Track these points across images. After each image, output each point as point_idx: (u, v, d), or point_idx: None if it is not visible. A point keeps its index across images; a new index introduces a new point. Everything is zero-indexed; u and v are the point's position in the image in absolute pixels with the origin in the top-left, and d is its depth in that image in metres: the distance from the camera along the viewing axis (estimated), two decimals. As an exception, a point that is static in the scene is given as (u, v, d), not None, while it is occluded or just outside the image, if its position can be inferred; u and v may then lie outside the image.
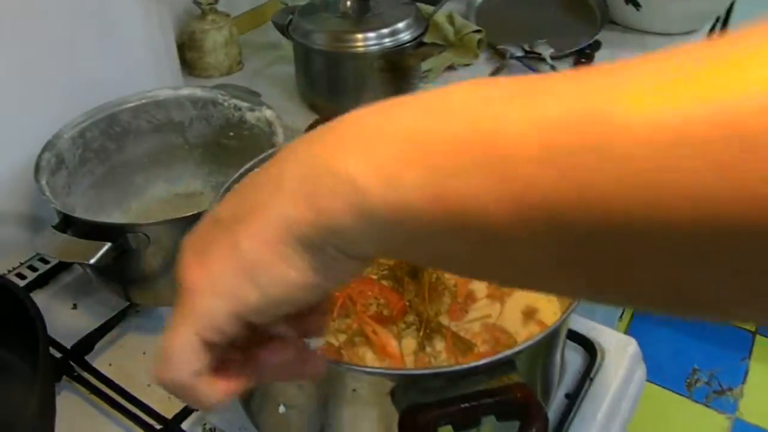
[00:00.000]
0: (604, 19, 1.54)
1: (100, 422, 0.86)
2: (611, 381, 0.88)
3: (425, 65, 1.36)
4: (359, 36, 1.18)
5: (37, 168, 0.93)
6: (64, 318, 1.00)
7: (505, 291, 0.81)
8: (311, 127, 0.93)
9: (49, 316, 0.99)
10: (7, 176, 1.03)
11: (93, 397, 0.87)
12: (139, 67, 1.17)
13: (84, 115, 1.02)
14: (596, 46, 1.50)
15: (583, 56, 1.45)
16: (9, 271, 1.06)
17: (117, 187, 1.09)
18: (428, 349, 0.74)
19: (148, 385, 0.90)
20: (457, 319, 0.78)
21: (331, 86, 1.25)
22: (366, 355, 0.74)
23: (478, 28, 1.46)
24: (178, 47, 1.41)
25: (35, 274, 1.05)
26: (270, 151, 0.83)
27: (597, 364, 0.89)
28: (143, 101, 1.07)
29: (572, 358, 0.91)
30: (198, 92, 1.08)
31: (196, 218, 0.75)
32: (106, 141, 1.05)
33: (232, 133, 1.08)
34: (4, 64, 1.00)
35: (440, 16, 1.50)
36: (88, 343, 0.92)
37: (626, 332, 2.40)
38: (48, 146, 0.97)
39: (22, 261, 1.07)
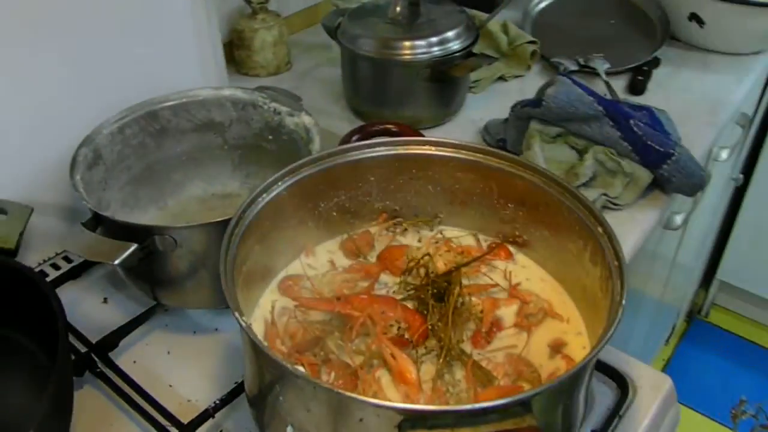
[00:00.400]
0: (664, 34, 1.48)
1: (118, 419, 0.86)
2: (642, 419, 0.84)
3: (474, 75, 1.33)
4: (407, 44, 1.15)
5: (74, 163, 0.93)
6: (94, 311, 1.00)
7: (532, 321, 0.78)
8: (347, 138, 0.91)
9: (79, 308, 1.01)
10: (48, 168, 1.04)
11: (113, 394, 0.87)
12: (184, 64, 1.17)
13: (124, 112, 1.02)
14: (655, 63, 1.44)
15: (641, 73, 1.39)
16: (44, 261, 1.07)
17: (154, 185, 1.09)
18: (447, 377, 0.72)
19: (170, 386, 0.89)
20: (481, 347, 0.76)
21: (376, 93, 1.23)
22: (383, 378, 0.72)
23: (533, 39, 1.42)
24: (227, 45, 1.41)
25: (69, 266, 1.05)
26: (305, 159, 0.82)
27: (628, 400, 0.86)
28: (184, 100, 1.06)
29: (602, 391, 0.87)
30: (239, 94, 1.07)
31: (223, 224, 0.76)
32: (146, 138, 1.05)
33: (270, 137, 1.07)
34: (55, 58, 1.01)
35: (494, 25, 1.46)
36: (113, 340, 0.92)
37: (671, 358, 2.34)
38: (86, 141, 0.97)
39: (59, 252, 1.08)
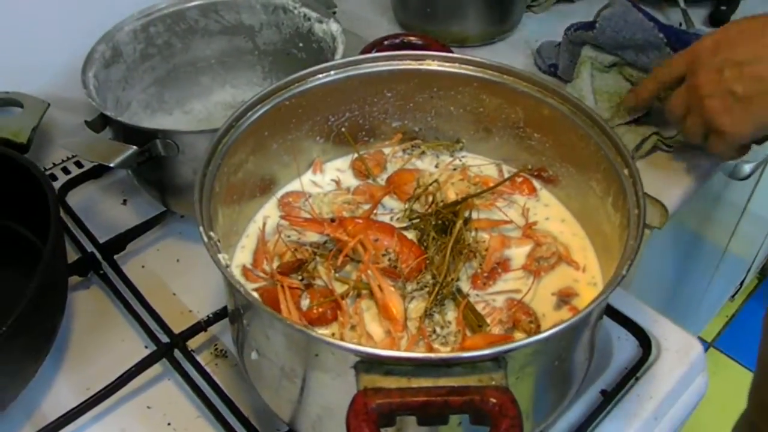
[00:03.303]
0: (760, -41, 1.31)
1: (117, 322, 0.85)
2: (661, 385, 0.77)
3: (536, -8, 1.22)
4: (459, -49, 1.06)
5: (89, 59, 0.90)
6: (112, 213, 0.99)
7: (543, 266, 0.71)
8: (368, 48, 0.84)
9: (96, 208, 0.99)
10: (69, 64, 1.01)
11: (113, 296, 0.86)
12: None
13: (148, 9, 0.97)
14: (745, -10, 1.28)
15: (725, 3, 1.24)
16: (67, 159, 1.06)
17: (181, 87, 1.05)
18: (437, 317, 0.66)
19: (173, 294, 0.87)
20: (480, 288, 0.69)
21: (423, 4, 1.14)
22: (370, 311, 0.67)
23: (608, -45, 1.29)
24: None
25: (92, 165, 1.03)
26: (312, 68, 0.75)
27: (649, 361, 0.78)
28: (213, 0, 1.01)
29: (623, 347, 0.80)
30: (269, -5, 1.01)
31: (226, 131, 0.71)
32: (172, 38, 1.01)
33: (301, 44, 1.01)
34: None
35: (569, -61, 1.33)
36: (120, 242, 0.91)
37: (736, 315, 2.22)
38: (105, 38, 0.93)
39: (82, 149, 1.07)
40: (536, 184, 0.80)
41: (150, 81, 1.01)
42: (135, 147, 0.78)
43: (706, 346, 2.16)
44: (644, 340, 0.79)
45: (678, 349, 0.80)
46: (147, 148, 0.80)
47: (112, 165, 0.77)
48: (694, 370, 0.79)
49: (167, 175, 0.86)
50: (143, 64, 0.99)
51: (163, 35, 0.99)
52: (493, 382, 0.49)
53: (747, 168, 1.19)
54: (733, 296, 2.20)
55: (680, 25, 1.19)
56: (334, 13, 0.97)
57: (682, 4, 1.22)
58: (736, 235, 1.67)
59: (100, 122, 0.85)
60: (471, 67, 0.76)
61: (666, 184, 0.94)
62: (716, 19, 1.23)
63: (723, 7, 1.24)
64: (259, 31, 1.03)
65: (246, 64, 1.07)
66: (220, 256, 0.57)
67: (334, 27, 0.93)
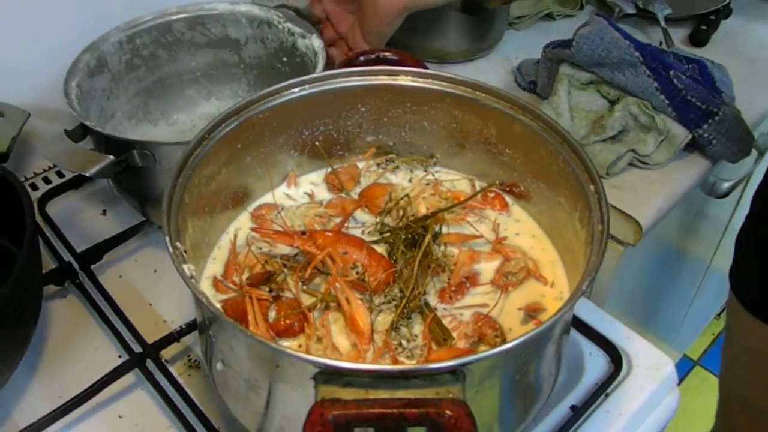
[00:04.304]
0: (741, -19, 1.33)
1: (92, 331, 0.85)
2: (632, 402, 0.77)
3: (517, 10, 1.23)
4: (438, -32, 1.07)
5: (72, 68, 0.91)
6: (91, 222, 0.99)
7: (511, 281, 0.72)
8: (343, 64, 0.85)
9: (76, 218, 1.00)
10: (51, 74, 1.02)
11: (89, 306, 0.86)
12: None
13: (135, 21, 0.98)
14: (726, 13, 1.30)
15: (706, 23, 1.26)
16: (49, 168, 1.07)
17: (166, 99, 1.06)
18: (403, 331, 0.66)
19: (150, 305, 0.88)
20: (447, 302, 0.70)
21: (406, 21, 1.15)
22: (338, 322, 0.67)
23: (590, -25, 1.30)
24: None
25: (73, 174, 1.04)
26: (287, 82, 0.76)
27: (620, 377, 0.79)
28: (199, 13, 1.02)
29: (594, 363, 0.81)
30: (255, 11, 1.02)
31: (198, 143, 0.72)
32: (158, 49, 1.02)
33: (285, 58, 1.02)
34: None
35: (552, -42, 1.35)
36: (97, 252, 0.91)
37: (721, 333, 2.22)
38: (90, 48, 0.94)
39: (64, 159, 1.07)
40: (508, 199, 0.81)
41: (135, 91, 1.02)
42: (112, 157, 0.79)
43: (692, 364, 2.16)
44: (615, 356, 0.80)
45: (649, 366, 0.80)
46: (124, 158, 0.80)
47: (88, 174, 0.77)
48: (665, 388, 0.80)
49: (145, 185, 0.86)
50: (128, 75, 1.00)
51: (149, 47, 1.00)
52: (450, 395, 0.49)
53: (725, 186, 1.20)
54: (719, 314, 2.20)
55: (660, 44, 1.21)
56: (318, 28, 0.99)
57: (662, 23, 1.24)
58: (719, 252, 1.68)
59: (80, 132, 0.85)
60: (444, 83, 0.76)
61: (641, 201, 0.95)
62: (696, 39, 1.25)
63: (703, 27, 1.25)
64: (244, 45, 1.04)
65: (231, 77, 1.08)
66: (185, 266, 0.58)
67: (316, 43, 0.94)
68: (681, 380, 2.09)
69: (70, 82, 0.89)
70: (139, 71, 1.01)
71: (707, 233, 1.52)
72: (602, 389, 0.77)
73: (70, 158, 0.80)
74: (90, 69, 0.94)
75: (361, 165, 0.84)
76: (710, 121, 0.95)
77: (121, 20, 0.97)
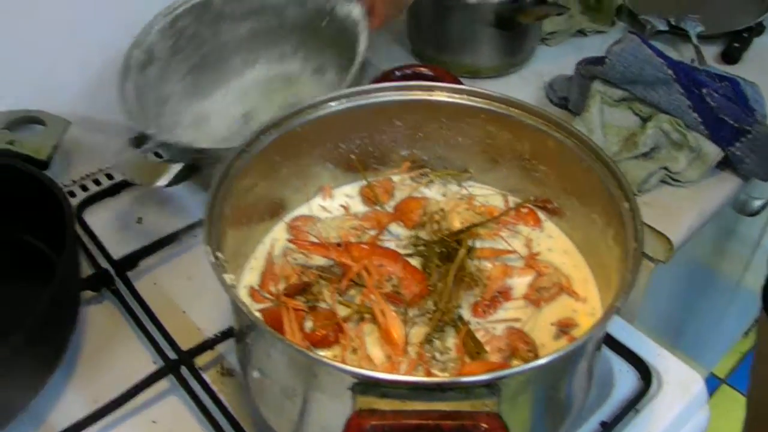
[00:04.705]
0: (775, -2, 1.33)
1: (127, 338, 0.86)
2: (662, 418, 0.77)
3: (549, 26, 1.24)
4: (472, -15, 1.08)
5: (125, 68, 0.93)
6: (127, 230, 1.01)
7: (544, 296, 0.72)
8: (380, 78, 0.86)
9: (112, 225, 1.02)
10: (90, 84, 1.05)
11: (125, 312, 0.88)
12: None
13: (174, 5, 1.00)
14: (759, 30, 1.30)
15: (738, 40, 1.26)
16: (87, 176, 1.09)
17: (215, 70, 1.08)
18: (437, 344, 0.67)
19: (183, 312, 0.89)
20: (481, 316, 0.71)
21: (437, 36, 1.16)
22: (372, 335, 0.68)
23: (622, -9, 1.31)
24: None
25: (110, 183, 1.06)
26: (324, 96, 0.77)
27: (650, 394, 0.79)
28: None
29: (624, 380, 0.81)
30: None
31: (237, 155, 0.73)
32: (200, 27, 1.03)
33: (325, 20, 1.02)
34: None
35: (585, -27, 1.35)
36: (133, 259, 0.93)
37: (749, 352, 2.20)
38: (136, 44, 0.96)
39: (102, 168, 1.09)
40: (541, 215, 0.82)
41: (185, 71, 1.04)
42: (179, 165, 0.81)
43: (719, 382, 2.14)
44: (645, 372, 0.80)
45: (679, 383, 0.80)
46: (190, 163, 0.82)
47: (160, 185, 0.79)
48: (695, 405, 0.80)
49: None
50: (176, 57, 1.02)
51: (190, 26, 1.02)
52: (486, 408, 0.50)
53: (757, 204, 1.20)
54: (747, 332, 2.18)
55: (692, 61, 1.21)
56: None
57: (694, 41, 1.24)
58: (749, 269, 1.67)
59: (139, 139, 0.87)
60: (478, 99, 0.77)
61: (672, 218, 0.95)
62: (729, 56, 1.24)
63: (736, 44, 1.25)
64: (284, 9, 1.05)
65: (275, 41, 1.09)
66: (225, 276, 0.59)
67: (355, 12, 0.95)
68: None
69: (125, 83, 0.91)
70: (185, 51, 1.04)
71: (737, 251, 1.51)
72: (632, 405, 0.77)
73: (139, 171, 0.82)
74: (141, 63, 0.96)
75: (395, 179, 0.85)
76: (743, 139, 0.95)
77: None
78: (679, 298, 1.32)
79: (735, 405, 2.06)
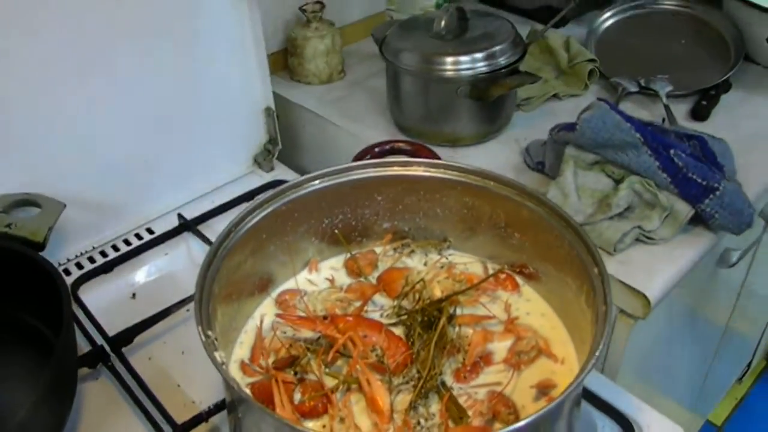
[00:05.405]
0: (738, 56, 1.38)
1: (124, 412, 0.88)
2: (644, 474, 0.80)
3: (524, 92, 1.29)
4: (447, 59, 1.13)
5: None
6: (121, 306, 1.04)
7: (523, 359, 0.75)
8: (360, 155, 0.90)
9: (106, 302, 1.04)
10: (85, 167, 1.08)
11: (120, 388, 0.90)
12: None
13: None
14: (725, 87, 1.35)
15: (706, 98, 1.31)
16: (81, 254, 1.12)
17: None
18: (421, 410, 0.70)
19: (178, 386, 0.91)
20: (463, 381, 0.74)
21: (417, 108, 1.21)
22: (359, 403, 0.71)
23: (592, 57, 1.37)
24: (282, 52, 1.43)
25: (104, 260, 1.09)
26: (307, 176, 0.81)
27: (632, 449, 0.81)
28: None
29: (608, 435, 0.83)
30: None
31: (225, 236, 0.77)
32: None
33: None
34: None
35: (557, 41, 1.41)
36: (128, 335, 0.95)
37: (744, 398, 2.20)
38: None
39: (95, 246, 1.13)
40: (519, 280, 0.85)
41: None
42: None
43: (716, 430, 2.14)
44: (627, 427, 0.82)
45: (660, 437, 0.83)
46: None
47: None
48: (677, 457, 0.82)
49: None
50: None
51: None
52: (465, 475, 0.53)
53: (734, 256, 1.24)
54: (740, 378, 2.19)
55: (663, 120, 1.26)
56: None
57: (664, 100, 1.29)
58: (735, 315, 1.69)
59: None
60: (454, 173, 0.82)
61: (648, 275, 0.98)
62: (698, 114, 1.30)
63: (704, 102, 1.30)
64: None
65: None
66: (216, 354, 0.62)
67: None
68: (705, 447, 2.08)
69: None
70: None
71: (721, 298, 1.54)
72: (616, 461, 0.79)
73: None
74: None
75: (378, 250, 0.88)
76: (711, 196, 0.99)
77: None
78: (664, 349, 1.34)
79: (733, 453, 2.06)
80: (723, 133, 1.15)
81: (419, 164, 0.82)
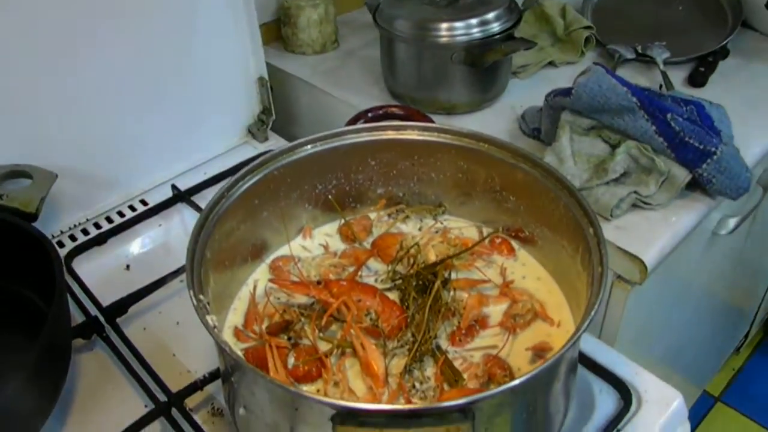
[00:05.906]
0: (736, 22, 1.37)
1: (119, 382, 0.88)
2: (643, 436, 0.79)
3: (520, 60, 1.28)
4: (441, 25, 1.11)
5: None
6: (115, 277, 1.03)
7: (519, 323, 0.75)
8: (352, 121, 0.89)
9: (101, 273, 1.04)
10: (77, 136, 1.07)
11: (115, 358, 0.89)
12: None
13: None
14: (723, 53, 1.34)
15: (704, 64, 1.30)
16: (75, 226, 1.11)
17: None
18: (416, 374, 0.69)
19: (173, 355, 0.91)
20: (458, 344, 0.73)
21: (411, 76, 1.20)
22: (354, 367, 0.71)
23: (589, 24, 1.35)
24: (275, 22, 1.41)
25: (97, 232, 1.09)
26: (300, 140, 0.80)
27: (630, 412, 0.81)
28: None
29: (605, 400, 0.83)
30: None
31: (216, 201, 0.76)
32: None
33: None
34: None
35: (553, 8, 1.40)
36: (122, 306, 0.95)
37: (742, 368, 2.21)
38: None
39: (89, 218, 1.12)
40: (514, 244, 0.84)
41: None
42: None
43: (714, 400, 2.15)
44: (625, 392, 0.82)
45: (658, 401, 0.82)
46: None
47: None
48: (675, 421, 0.82)
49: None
50: None
51: None
52: (459, 432, 0.52)
53: (731, 222, 1.23)
54: (738, 349, 2.20)
55: (660, 87, 1.25)
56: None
57: (661, 66, 1.28)
58: (733, 286, 1.69)
59: None
60: (448, 136, 0.81)
61: (645, 241, 0.97)
62: (695, 80, 1.28)
63: (701, 69, 1.29)
64: None
65: None
66: (208, 318, 0.61)
67: None
68: (702, 417, 2.08)
69: None
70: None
71: (719, 267, 1.54)
72: (613, 425, 0.79)
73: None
74: None
75: (372, 216, 0.88)
76: (708, 160, 0.98)
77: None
78: (662, 316, 1.34)
79: (730, 422, 2.07)
80: (720, 100, 1.14)
81: (413, 128, 0.81)
